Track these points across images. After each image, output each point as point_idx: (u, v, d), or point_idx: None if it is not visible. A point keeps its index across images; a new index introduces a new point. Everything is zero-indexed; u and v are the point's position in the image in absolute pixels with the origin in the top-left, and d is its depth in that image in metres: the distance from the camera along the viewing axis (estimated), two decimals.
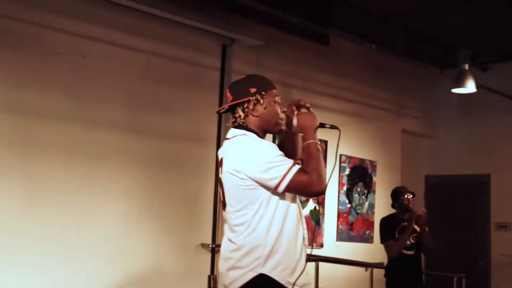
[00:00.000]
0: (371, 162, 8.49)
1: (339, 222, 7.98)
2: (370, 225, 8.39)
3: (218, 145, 6.71)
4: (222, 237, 3.26)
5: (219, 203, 6.60)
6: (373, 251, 8.24)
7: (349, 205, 8.14)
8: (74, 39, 5.66)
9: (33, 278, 5.24)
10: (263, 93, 3.20)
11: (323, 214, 7.73)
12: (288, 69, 7.37)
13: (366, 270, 7.13)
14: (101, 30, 5.85)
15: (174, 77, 6.42)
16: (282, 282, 3.00)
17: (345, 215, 8.07)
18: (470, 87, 7.17)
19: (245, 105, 3.20)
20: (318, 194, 3.03)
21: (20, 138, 5.27)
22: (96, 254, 5.69)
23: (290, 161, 3.03)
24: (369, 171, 8.47)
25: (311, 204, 7.53)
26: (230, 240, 3.13)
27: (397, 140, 9.01)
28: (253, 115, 3.20)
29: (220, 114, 6.76)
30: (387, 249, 6.23)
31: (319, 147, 3.11)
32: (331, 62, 7.89)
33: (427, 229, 6.24)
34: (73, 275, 5.49)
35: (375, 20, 7.28)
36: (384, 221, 6.41)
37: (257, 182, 3.00)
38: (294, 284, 3.02)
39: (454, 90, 7.38)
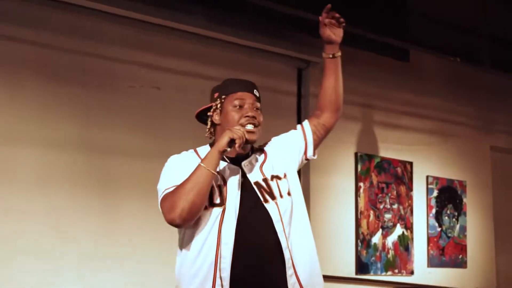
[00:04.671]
0: (460, 182, 8.05)
1: (429, 247, 7.57)
2: (463, 248, 7.93)
3: (298, 174, 6.45)
4: None
5: None
6: (467, 276, 7.80)
7: (439, 229, 7.71)
8: (147, 70, 5.55)
9: None
10: (223, 97, 2.92)
11: (412, 239, 7.34)
12: (368, 89, 7.05)
13: None
14: (173, 60, 5.73)
15: None
16: None
17: (435, 239, 7.65)
18: None
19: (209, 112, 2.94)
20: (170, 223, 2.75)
21: (95, 176, 5.18)
22: None
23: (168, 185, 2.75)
24: (459, 192, 8.02)
25: (399, 229, 7.17)
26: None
27: (486, 157, 8.51)
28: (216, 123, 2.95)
29: None
30: None
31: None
32: (412, 79, 7.50)
33: None
34: None
35: (455, 31, 6.86)
36: None
37: None
38: None
39: None
